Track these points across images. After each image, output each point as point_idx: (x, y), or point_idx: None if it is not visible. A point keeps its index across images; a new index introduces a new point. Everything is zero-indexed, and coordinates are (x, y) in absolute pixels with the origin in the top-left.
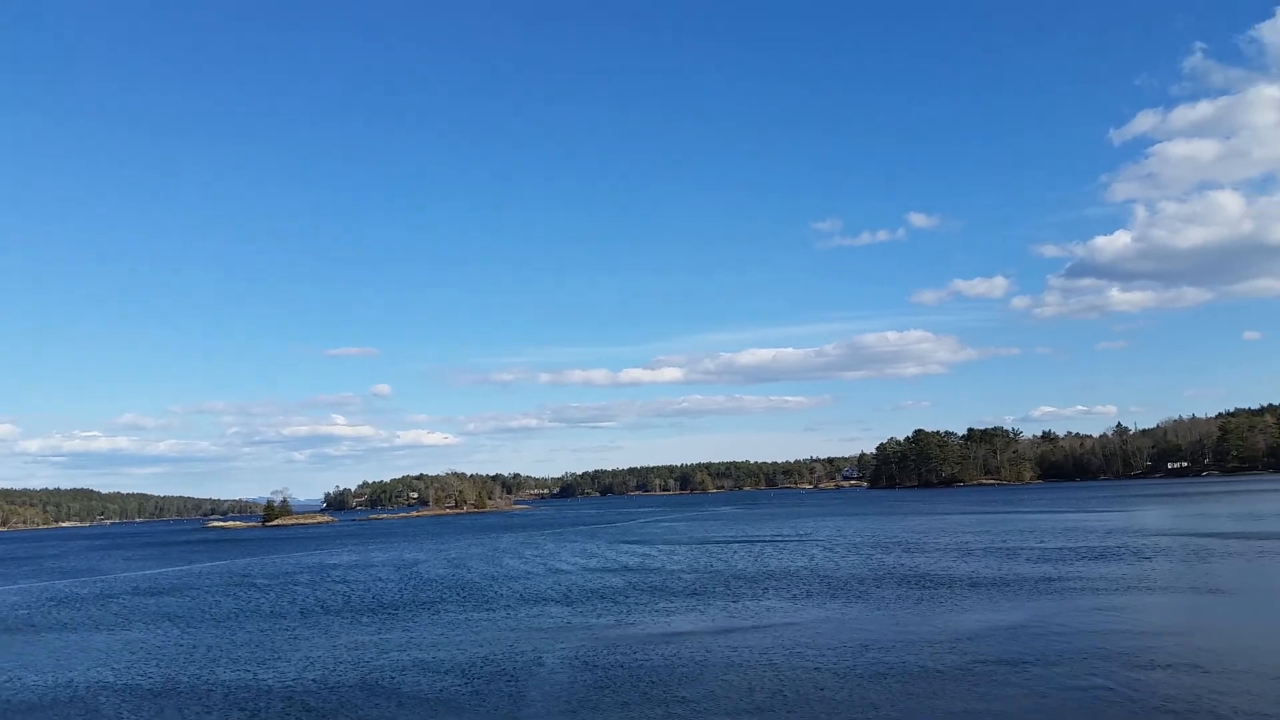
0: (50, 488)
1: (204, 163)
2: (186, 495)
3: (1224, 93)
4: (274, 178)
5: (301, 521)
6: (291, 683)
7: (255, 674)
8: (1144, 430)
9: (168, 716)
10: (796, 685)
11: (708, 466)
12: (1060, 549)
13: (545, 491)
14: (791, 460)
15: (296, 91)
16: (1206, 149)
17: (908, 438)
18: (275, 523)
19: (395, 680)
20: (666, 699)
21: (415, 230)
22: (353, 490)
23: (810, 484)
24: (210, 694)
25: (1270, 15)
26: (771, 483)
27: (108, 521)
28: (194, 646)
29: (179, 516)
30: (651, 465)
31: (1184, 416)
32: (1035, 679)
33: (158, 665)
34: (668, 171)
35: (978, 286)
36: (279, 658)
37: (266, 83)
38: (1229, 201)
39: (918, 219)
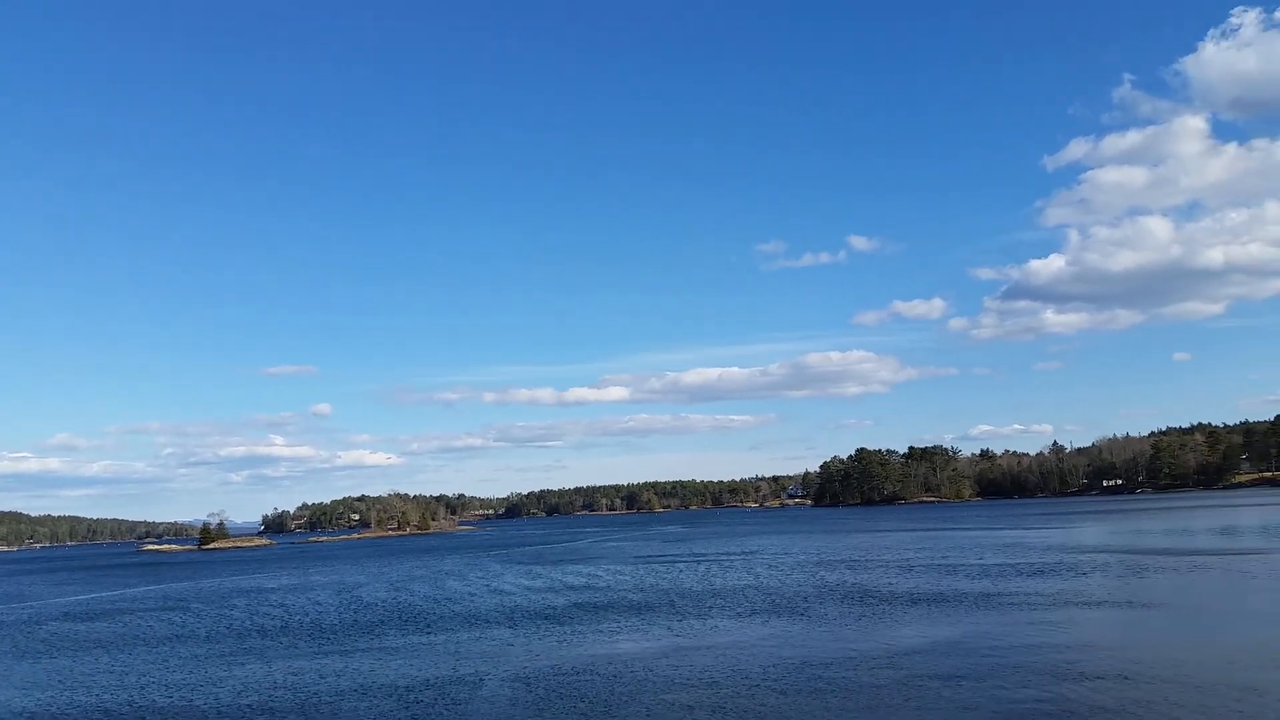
0: None
1: (142, 176)
2: (120, 518)
3: (1151, 122)
4: (212, 195)
5: (239, 545)
6: (227, 709)
7: (189, 700)
8: (1079, 449)
9: None
10: (736, 702)
11: (654, 486)
12: (998, 565)
13: (490, 512)
14: (737, 479)
15: (244, 106)
16: (1136, 176)
17: (851, 456)
18: (212, 546)
19: (333, 705)
20: (606, 718)
21: (358, 246)
22: (292, 512)
23: (756, 502)
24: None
25: (1193, 50)
26: (718, 501)
27: (37, 545)
28: (126, 673)
29: (112, 539)
30: (598, 485)
31: (1118, 435)
32: (968, 692)
33: (87, 693)
34: (614, 191)
35: (917, 308)
36: (214, 683)
37: (207, 92)
38: (1158, 227)
39: (858, 241)
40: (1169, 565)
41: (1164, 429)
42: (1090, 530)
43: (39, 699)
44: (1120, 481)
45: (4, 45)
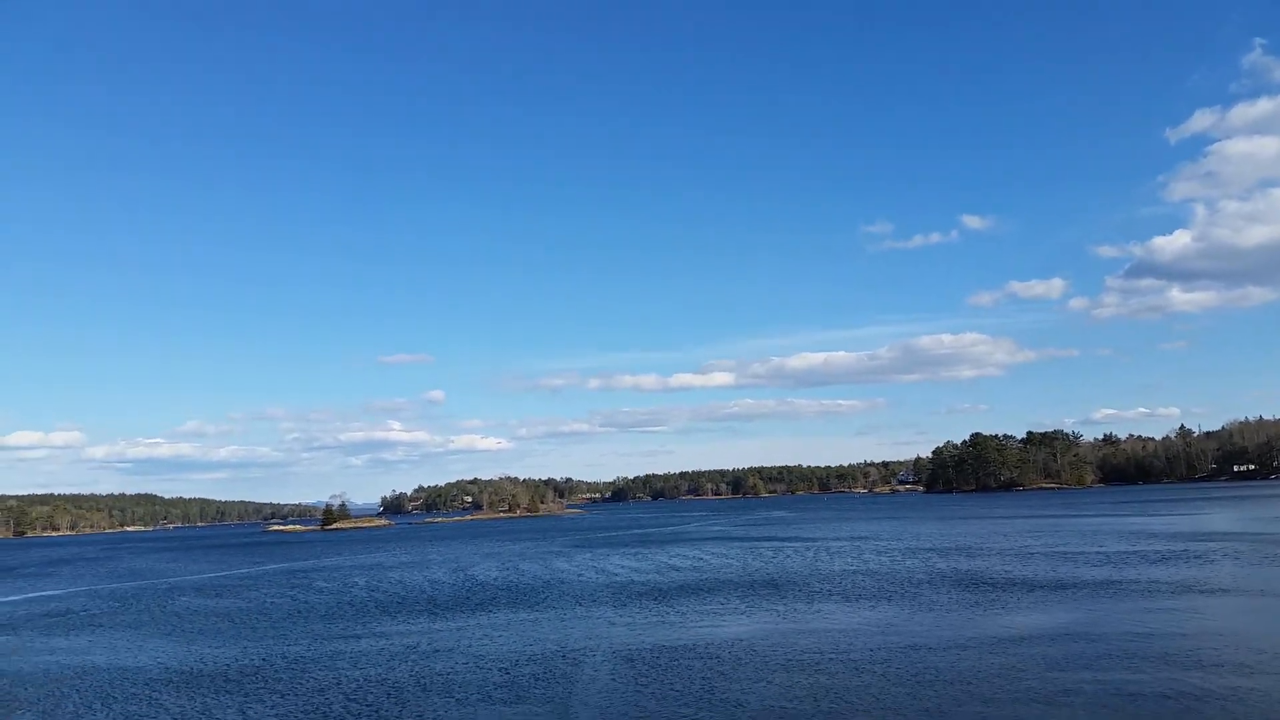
0: (115, 493)
1: (262, 174)
2: (247, 500)
3: None
4: (329, 189)
5: (359, 525)
6: (345, 679)
7: (311, 670)
8: (1208, 432)
9: (226, 712)
10: (836, 685)
11: (760, 470)
12: (1120, 552)
13: (597, 495)
14: (845, 464)
15: (347, 100)
16: (1268, 146)
17: (964, 441)
18: (334, 526)
19: (445, 677)
20: (704, 698)
21: (467, 237)
22: (408, 494)
23: (864, 488)
24: (267, 690)
25: None
26: (825, 487)
27: (170, 526)
28: (251, 644)
29: (240, 520)
30: (703, 469)
31: (1250, 418)
32: (1077, 679)
33: (215, 662)
34: (718, 176)
35: (1034, 288)
36: (334, 655)
37: (312, 91)
38: None
39: (971, 221)
40: None
41: None
42: (1219, 517)
43: (171, 668)
44: (1253, 466)
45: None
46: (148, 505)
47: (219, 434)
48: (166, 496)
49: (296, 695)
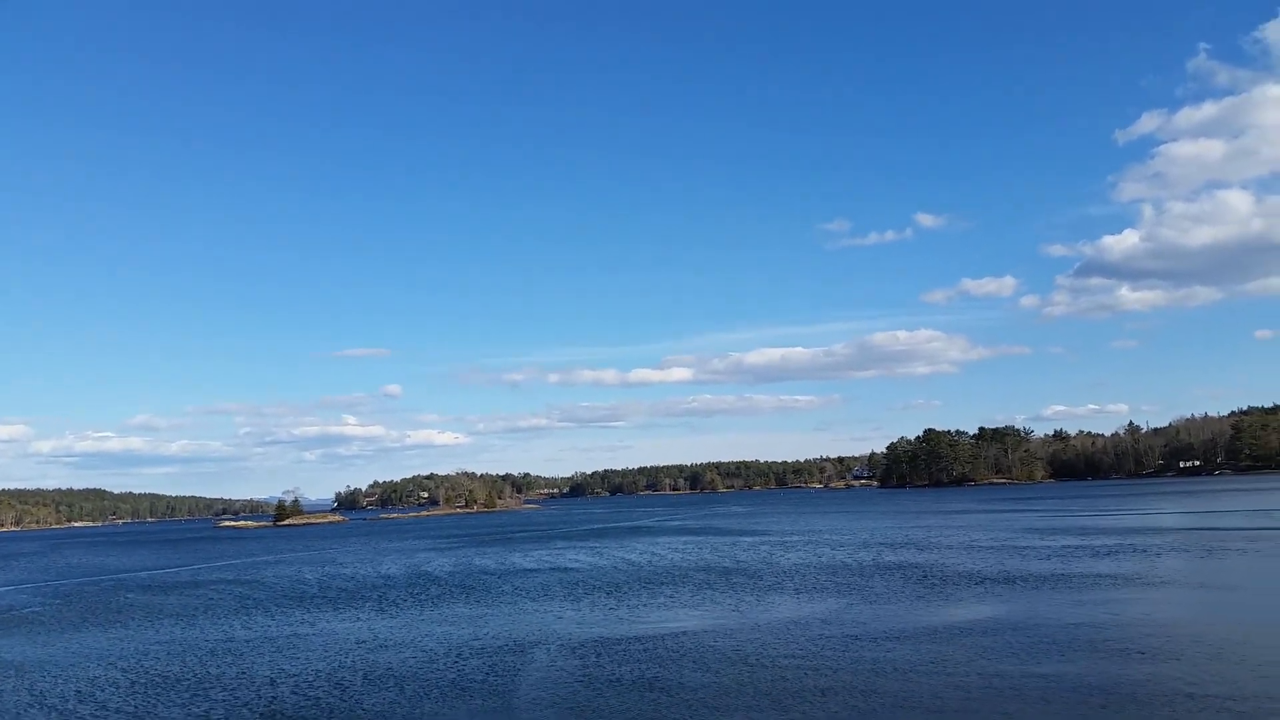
0: (63, 488)
1: (217, 165)
2: (198, 495)
3: (1229, 93)
4: (285, 180)
5: (312, 521)
6: (293, 675)
7: (255, 667)
8: (1156, 429)
9: (171, 709)
10: (782, 678)
11: (717, 466)
12: (1068, 547)
13: (555, 491)
14: (801, 459)
15: (303, 93)
16: (1213, 148)
17: (918, 437)
18: (286, 522)
19: (395, 670)
20: (647, 689)
21: (426, 231)
22: (364, 490)
23: (820, 483)
24: (214, 686)
25: (1275, 16)
26: (782, 482)
27: (119, 521)
28: (200, 640)
29: (191, 516)
30: (661, 465)
31: (1196, 415)
32: (1021, 669)
33: (162, 659)
34: (676, 173)
35: (987, 286)
36: (282, 651)
37: (272, 84)
38: (1238, 200)
39: (925, 219)
40: (1246, 548)
41: (1244, 408)
42: (1166, 512)
43: (115, 666)
44: (1198, 463)
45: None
46: (96, 500)
47: (170, 428)
48: (115, 491)
49: (244, 690)
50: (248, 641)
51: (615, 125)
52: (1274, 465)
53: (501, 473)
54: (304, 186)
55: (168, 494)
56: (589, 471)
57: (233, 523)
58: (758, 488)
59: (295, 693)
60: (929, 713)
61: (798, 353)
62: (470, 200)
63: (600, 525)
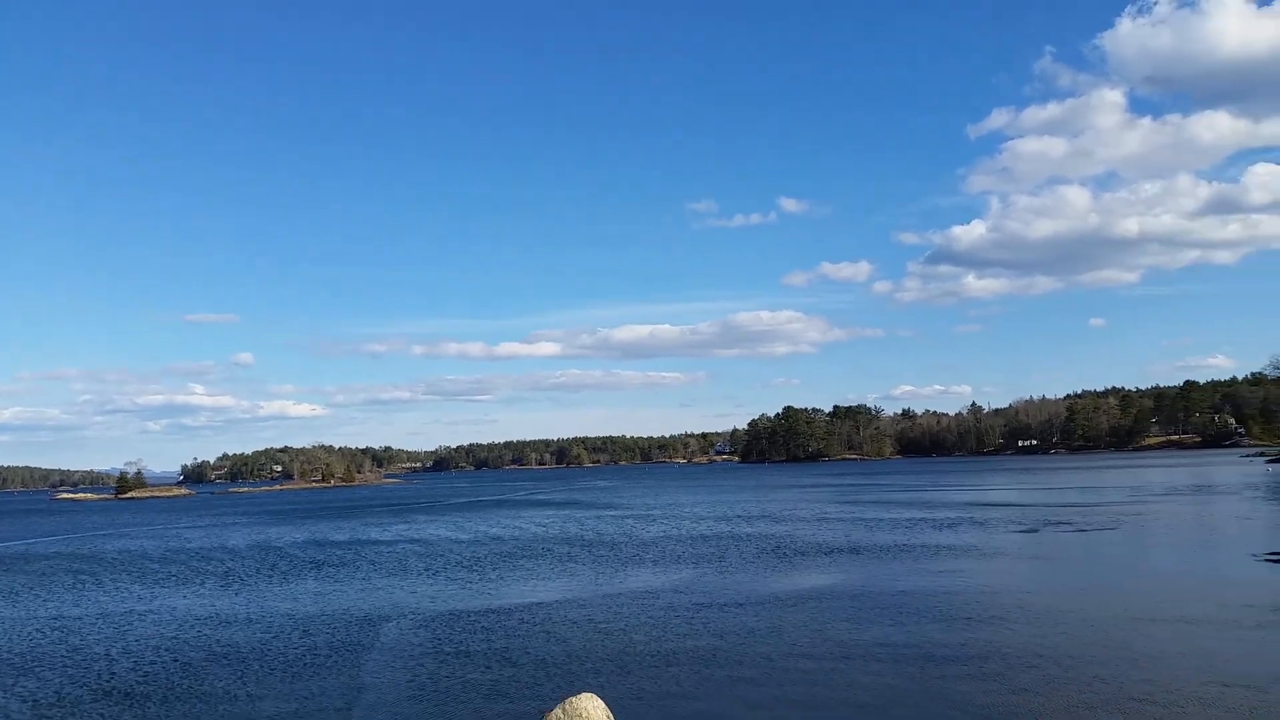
0: None
1: (53, 115)
2: (33, 465)
3: (1071, 94)
4: (130, 134)
5: (157, 494)
6: (135, 652)
7: (95, 644)
8: (997, 410)
9: None
10: (625, 642)
11: (584, 441)
12: (912, 519)
13: (418, 465)
14: (667, 435)
15: (167, 49)
16: (1056, 146)
17: (778, 414)
18: (129, 495)
19: (240, 646)
20: (495, 659)
21: (284, 193)
22: (212, 462)
23: (684, 458)
24: (45, 665)
25: (1112, 26)
26: (647, 457)
27: None
28: (30, 617)
29: (24, 488)
30: (528, 439)
31: (1034, 397)
32: (844, 633)
33: None
34: (547, 144)
35: (844, 270)
36: (123, 626)
37: (137, 38)
38: (1076, 196)
39: (788, 203)
40: (1075, 521)
41: (1079, 392)
42: (1004, 488)
43: None
44: (1035, 442)
45: None
46: None
47: (3, 393)
48: None
49: (77, 668)
50: (83, 618)
51: (488, 98)
52: (1104, 445)
53: (362, 446)
54: (149, 142)
55: None
56: (454, 446)
57: (71, 495)
58: (624, 463)
59: (134, 670)
60: (763, 672)
61: (665, 330)
62: (333, 163)
63: (463, 500)
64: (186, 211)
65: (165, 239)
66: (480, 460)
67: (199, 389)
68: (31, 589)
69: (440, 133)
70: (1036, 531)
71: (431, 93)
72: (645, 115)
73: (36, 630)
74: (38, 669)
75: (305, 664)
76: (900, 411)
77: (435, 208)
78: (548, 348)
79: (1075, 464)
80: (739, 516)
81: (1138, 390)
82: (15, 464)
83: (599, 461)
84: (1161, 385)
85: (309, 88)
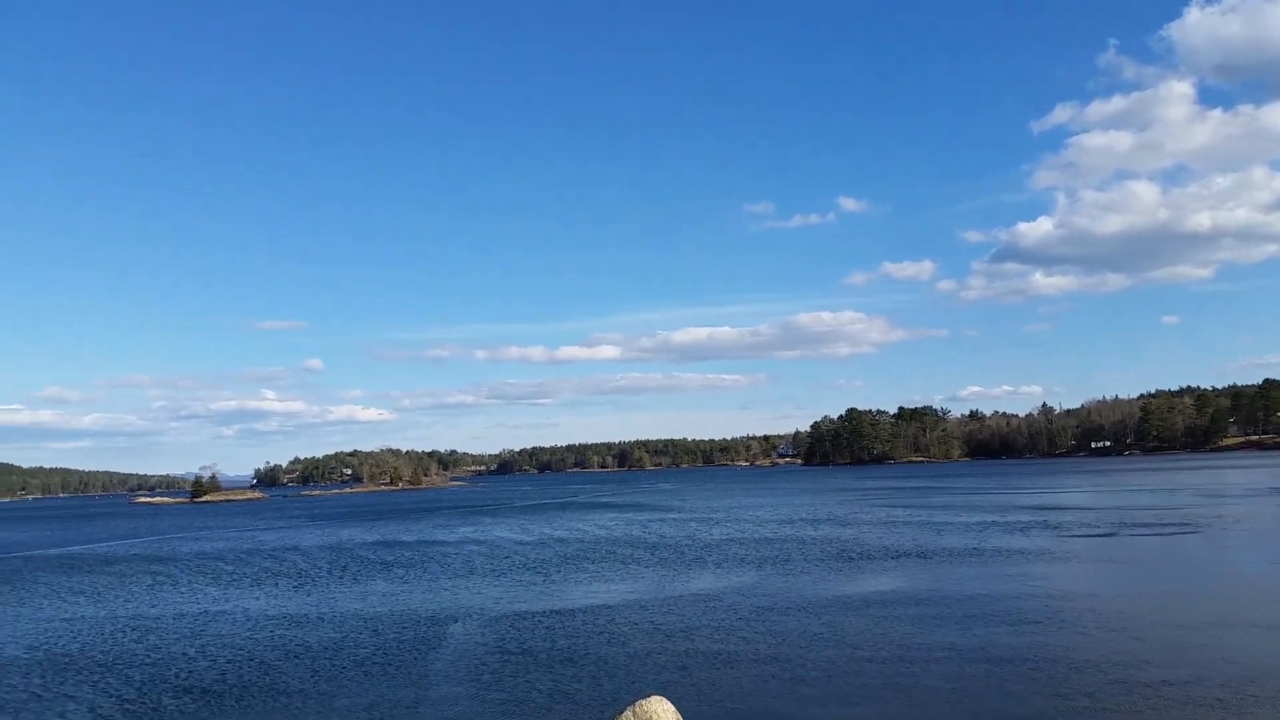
0: None
1: (127, 131)
2: (112, 470)
3: (1137, 87)
4: (201, 148)
5: (231, 498)
6: (212, 651)
7: (175, 643)
8: (1068, 410)
9: (81, 688)
10: (688, 646)
11: (645, 444)
12: (982, 523)
13: (482, 468)
14: (728, 438)
15: (228, 56)
16: (1123, 140)
17: (841, 416)
18: (204, 498)
19: (312, 646)
20: (560, 660)
21: (347, 202)
22: (284, 466)
23: (746, 461)
24: (127, 664)
25: (1179, 16)
26: (709, 460)
27: (29, 497)
28: (112, 617)
29: (104, 492)
30: (589, 442)
31: (1107, 397)
32: (924, 637)
33: (71, 638)
34: (603, 150)
35: (906, 269)
36: (201, 627)
37: (194, 46)
38: (1145, 191)
39: (848, 203)
40: (1152, 524)
41: (1152, 391)
42: (1077, 490)
43: (17, 645)
44: (1108, 443)
45: None
46: (4, 475)
47: (82, 401)
48: (25, 466)
49: (158, 666)
50: (161, 618)
51: (545, 103)
52: (1179, 446)
53: (428, 450)
54: (218, 154)
55: (80, 469)
56: (517, 449)
57: (148, 499)
58: (685, 465)
59: (211, 668)
60: (826, 674)
61: (724, 332)
62: (394, 172)
63: (527, 502)
64: (253, 221)
65: (234, 248)
66: (543, 463)
67: (270, 394)
68: (113, 590)
69: (496, 140)
70: (1112, 535)
71: (490, 105)
72: (701, 118)
73: (118, 630)
74: (120, 667)
75: (375, 663)
76: (968, 413)
77: (494, 214)
78: (608, 351)
79: (1151, 465)
80: (803, 519)
81: (1214, 389)
82: (95, 469)
83: (660, 464)
84: (1239, 384)
85: (380, 99)
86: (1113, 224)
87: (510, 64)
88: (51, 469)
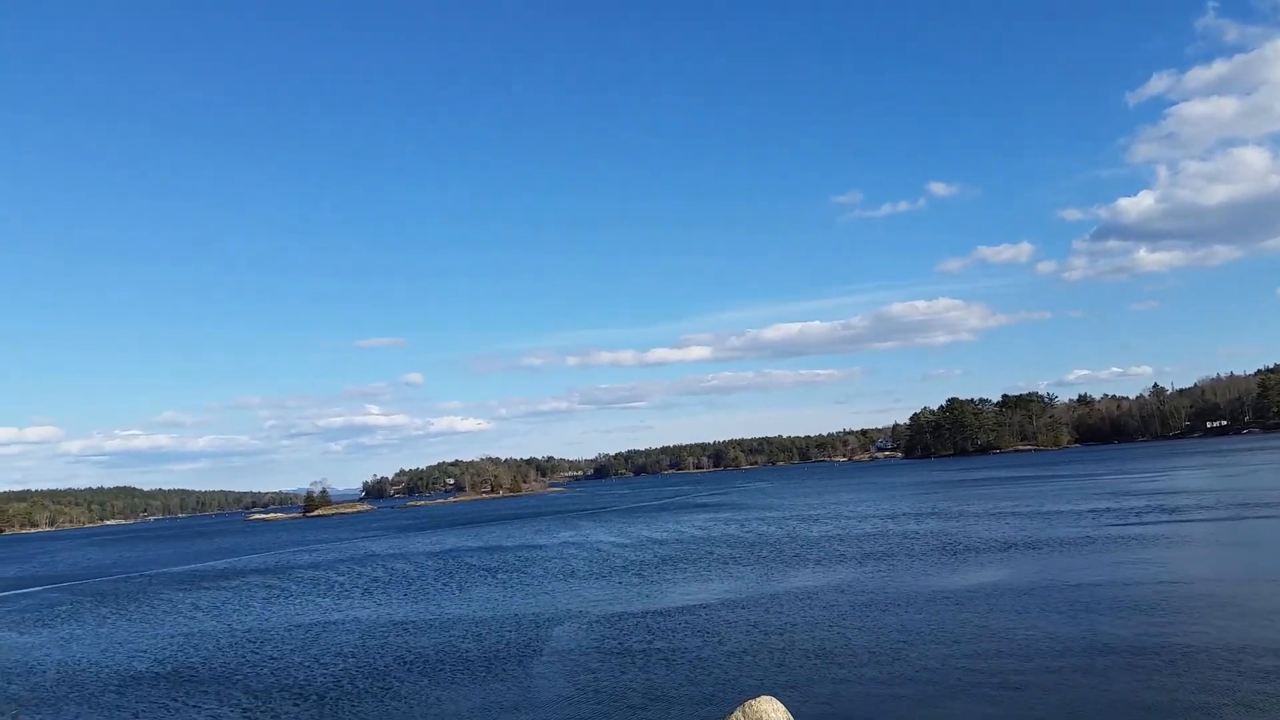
0: (94, 486)
1: (228, 160)
2: (227, 489)
3: (1240, 50)
4: (295, 174)
5: (341, 511)
6: (329, 660)
7: (293, 653)
8: (1181, 390)
9: (205, 698)
10: (788, 643)
11: (740, 443)
12: (1095, 510)
13: (579, 473)
14: (824, 433)
15: (306, 85)
16: (1226, 106)
17: (941, 407)
18: (316, 513)
19: (425, 652)
20: (665, 661)
21: (436, 219)
22: (390, 478)
23: (844, 456)
24: (248, 674)
25: None
26: (805, 456)
27: (151, 518)
28: (233, 629)
29: (221, 510)
30: (683, 443)
31: (1222, 374)
32: (1014, 628)
33: (194, 650)
34: (685, 150)
35: (1003, 253)
36: (317, 636)
37: (276, 77)
38: (1253, 157)
39: (938, 188)
40: (1275, 504)
41: (1270, 366)
42: (1194, 473)
43: (146, 658)
44: (1225, 422)
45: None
46: (127, 498)
47: (196, 424)
48: (145, 489)
49: (278, 675)
50: (278, 629)
51: (625, 108)
52: None
53: (525, 457)
54: (312, 179)
55: (197, 489)
56: (612, 453)
57: (262, 515)
58: (781, 463)
59: (326, 676)
60: (927, 671)
61: (815, 326)
62: (482, 188)
63: (625, 505)
64: (347, 240)
65: (333, 268)
66: (639, 466)
67: (374, 409)
68: (231, 603)
69: (582, 150)
70: (1233, 519)
71: (572, 113)
72: (782, 110)
73: (237, 641)
74: (240, 678)
75: (481, 667)
76: (1076, 397)
77: (577, 222)
78: (698, 351)
79: (1272, 443)
80: (905, 514)
81: None
82: (211, 489)
83: (756, 463)
84: None
85: (460, 126)
86: (1219, 194)
87: (593, 77)
88: (170, 490)
